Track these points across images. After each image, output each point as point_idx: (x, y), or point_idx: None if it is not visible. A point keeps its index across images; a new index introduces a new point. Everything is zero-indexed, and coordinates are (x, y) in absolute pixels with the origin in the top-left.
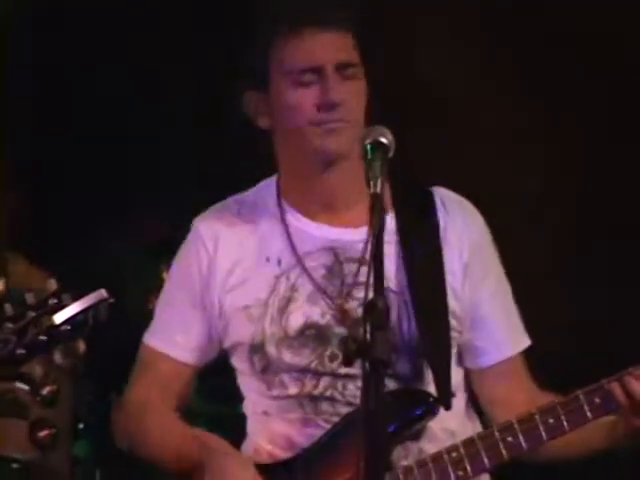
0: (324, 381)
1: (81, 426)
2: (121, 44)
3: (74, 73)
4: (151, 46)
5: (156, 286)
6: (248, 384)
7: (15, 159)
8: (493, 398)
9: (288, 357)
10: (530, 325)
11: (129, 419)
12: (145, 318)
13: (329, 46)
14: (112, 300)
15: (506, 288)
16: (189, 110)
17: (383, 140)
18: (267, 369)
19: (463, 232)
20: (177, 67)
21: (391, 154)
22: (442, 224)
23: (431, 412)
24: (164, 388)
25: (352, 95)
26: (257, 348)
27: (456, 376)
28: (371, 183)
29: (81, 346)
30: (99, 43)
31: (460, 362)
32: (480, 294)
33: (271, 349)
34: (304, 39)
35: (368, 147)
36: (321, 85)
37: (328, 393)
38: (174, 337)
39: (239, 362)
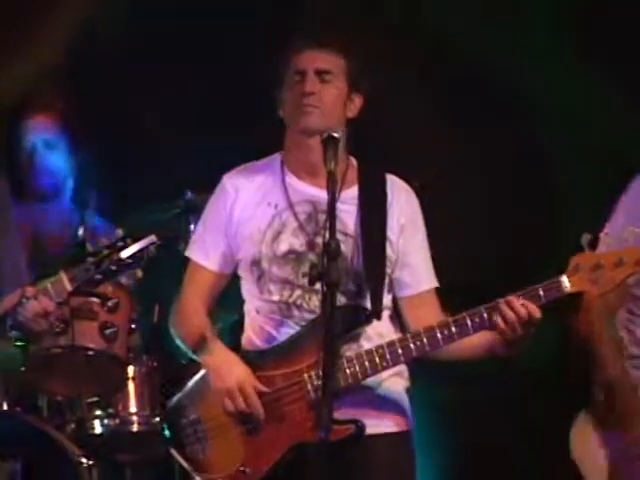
0: (297, 292)
1: (133, 326)
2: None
3: None
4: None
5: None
6: (247, 289)
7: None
8: (414, 321)
9: (275, 270)
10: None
11: (178, 318)
12: (177, 257)
13: (314, 59)
14: (159, 242)
15: (426, 245)
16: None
17: (335, 134)
18: (260, 278)
19: (403, 205)
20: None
21: (341, 144)
22: (389, 198)
23: (367, 320)
24: (202, 294)
25: (324, 91)
26: (255, 262)
27: (386, 299)
28: (327, 163)
29: (139, 273)
30: None
31: (390, 290)
32: (409, 246)
33: (264, 264)
34: (303, 54)
35: (325, 138)
36: (303, 81)
37: (298, 302)
38: (208, 252)
39: (243, 272)
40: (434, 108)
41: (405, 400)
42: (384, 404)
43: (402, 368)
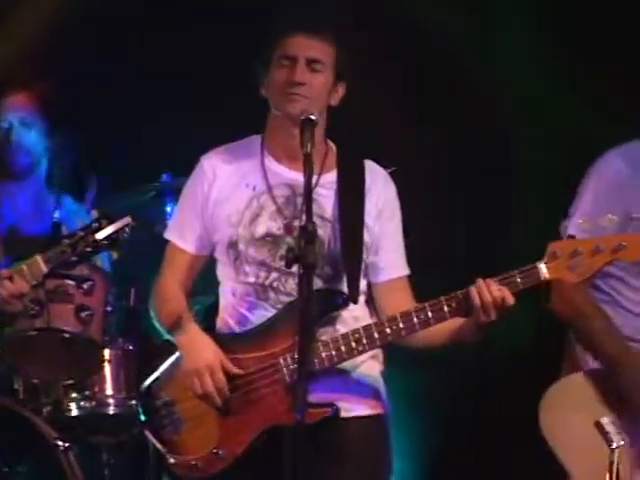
0: (273, 275)
1: (109, 309)
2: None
3: None
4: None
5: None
6: (224, 271)
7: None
8: (388, 306)
9: (252, 252)
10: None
11: (157, 300)
12: (155, 240)
13: (306, 46)
14: (134, 224)
15: (401, 231)
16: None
17: (312, 117)
18: (237, 260)
19: (381, 191)
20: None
21: (320, 129)
22: (368, 183)
23: (344, 304)
24: (180, 276)
25: (313, 80)
26: (232, 244)
27: (362, 284)
28: (304, 146)
29: (114, 254)
30: None
31: (365, 276)
32: (385, 232)
33: (241, 246)
34: (294, 39)
35: (303, 121)
36: (292, 68)
37: (275, 284)
38: (185, 234)
39: (220, 254)
40: (405, 99)
41: (381, 383)
42: (359, 387)
43: (377, 352)
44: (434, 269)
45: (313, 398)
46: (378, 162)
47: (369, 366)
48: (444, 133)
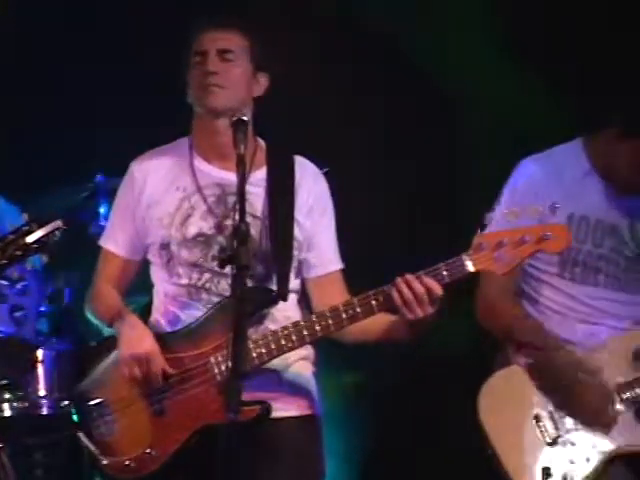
0: (206, 275)
1: (43, 309)
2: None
3: None
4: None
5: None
6: (157, 273)
7: None
8: (321, 301)
9: (184, 254)
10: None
11: (92, 301)
12: (87, 240)
13: (214, 39)
14: (65, 227)
15: (334, 226)
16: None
17: (244, 118)
18: (169, 262)
19: (312, 186)
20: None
21: (250, 127)
22: (298, 180)
23: (273, 302)
24: (114, 279)
25: (227, 70)
26: (164, 246)
27: (294, 282)
28: (237, 146)
29: (44, 257)
30: None
31: (298, 274)
32: (317, 227)
33: (174, 248)
34: (203, 35)
35: (235, 121)
36: (204, 62)
37: (207, 285)
38: (117, 239)
39: (153, 257)
40: (345, 96)
41: (312, 384)
42: (291, 388)
43: (309, 352)
44: (370, 267)
45: (244, 397)
46: (313, 161)
47: (301, 367)
48: (380, 133)
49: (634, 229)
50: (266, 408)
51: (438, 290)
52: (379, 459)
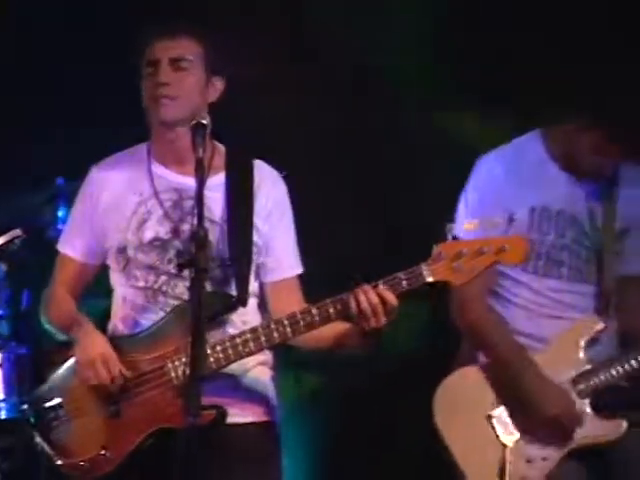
0: (162, 278)
1: (1, 312)
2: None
3: None
4: None
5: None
6: (115, 277)
7: None
8: (278, 306)
9: (141, 257)
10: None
11: (47, 305)
12: (46, 244)
13: (166, 48)
14: (24, 236)
15: (293, 230)
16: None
17: (203, 121)
18: (126, 266)
19: (270, 190)
20: None
21: (208, 131)
22: (256, 184)
23: (232, 307)
24: (70, 284)
25: (180, 79)
26: (121, 250)
27: (253, 286)
28: (196, 150)
29: (3, 266)
30: None
31: (257, 277)
32: (275, 232)
33: (130, 252)
34: (155, 44)
35: (194, 125)
36: (156, 72)
37: (164, 288)
38: (74, 243)
39: (111, 261)
40: (299, 99)
41: (271, 389)
42: (248, 393)
43: (268, 357)
44: (326, 271)
45: (201, 401)
46: (272, 165)
47: (259, 372)
48: (340, 134)
49: (593, 219)
50: (222, 413)
51: (394, 302)
52: (337, 462)
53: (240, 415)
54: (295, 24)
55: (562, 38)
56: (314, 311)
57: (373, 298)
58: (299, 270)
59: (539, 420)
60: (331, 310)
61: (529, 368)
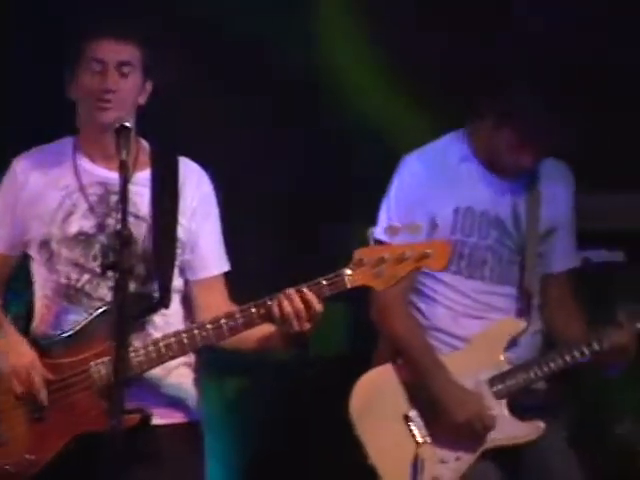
0: (85, 276)
1: None
2: None
3: None
4: None
5: None
6: (37, 270)
7: None
8: (202, 304)
9: (64, 252)
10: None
11: None
12: None
13: (116, 51)
14: None
15: (218, 228)
16: None
17: (127, 124)
18: (49, 260)
19: (196, 187)
20: None
21: (132, 134)
22: (182, 180)
23: (155, 309)
24: None
25: (123, 85)
26: (44, 244)
27: (178, 282)
28: (120, 152)
29: None
30: None
31: (182, 274)
32: (200, 230)
33: (54, 245)
34: (103, 43)
35: (117, 128)
36: (103, 75)
37: (87, 287)
38: None
39: (33, 253)
40: (226, 98)
41: (194, 391)
42: (171, 395)
43: (191, 359)
44: (255, 269)
45: (125, 404)
46: (198, 162)
47: (182, 373)
48: (267, 132)
49: (517, 219)
50: (146, 416)
51: (317, 307)
52: (261, 463)
53: (163, 417)
54: (221, 21)
55: (470, 36)
56: (237, 315)
57: (297, 303)
58: (225, 268)
59: (450, 424)
60: (255, 315)
61: (440, 374)
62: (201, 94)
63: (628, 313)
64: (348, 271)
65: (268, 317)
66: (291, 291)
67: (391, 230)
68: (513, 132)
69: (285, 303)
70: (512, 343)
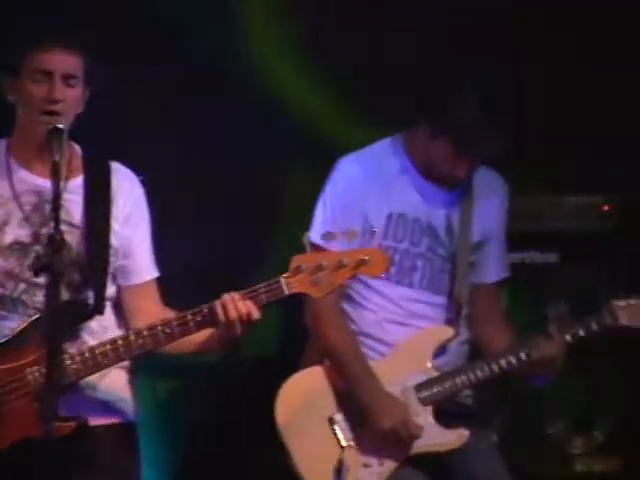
0: (21, 286)
1: None
2: None
3: None
4: None
5: None
6: None
7: None
8: (136, 309)
9: (0, 261)
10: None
11: None
12: None
13: (63, 62)
14: None
15: (149, 234)
16: None
17: (60, 126)
18: None
19: (128, 193)
20: None
21: (65, 136)
22: (114, 187)
23: (89, 315)
24: None
25: (69, 95)
26: None
27: (111, 289)
28: (53, 155)
29: None
30: None
31: (115, 280)
32: (133, 235)
33: None
34: (50, 53)
35: (50, 130)
36: (50, 85)
37: (23, 297)
38: None
39: None
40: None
41: (128, 393)
42: (106, 397)
43: (125, 362)
44: (189, 273)
45: (61, 411)
46: (129, 167)
47: (116, 375)
48: (199, 135)
49: (450, 229)
50: (82, 423)
51: (256, 314)
52: (193, 465)
53: (97, 419)
54: (153, 22)
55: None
56: (174, 324)
57: (241, 308)
58: (156, 273)
59: (376, 431)
60: (191, 323)
61: (369, 382)
62: (133, 95)
63: (558, 323)
64: (285, 279)
65: (204, 324)
66: (236, 296)
67: (328, 236)
68: (448, 143)
69: (230, 306)
70: (440, 351)
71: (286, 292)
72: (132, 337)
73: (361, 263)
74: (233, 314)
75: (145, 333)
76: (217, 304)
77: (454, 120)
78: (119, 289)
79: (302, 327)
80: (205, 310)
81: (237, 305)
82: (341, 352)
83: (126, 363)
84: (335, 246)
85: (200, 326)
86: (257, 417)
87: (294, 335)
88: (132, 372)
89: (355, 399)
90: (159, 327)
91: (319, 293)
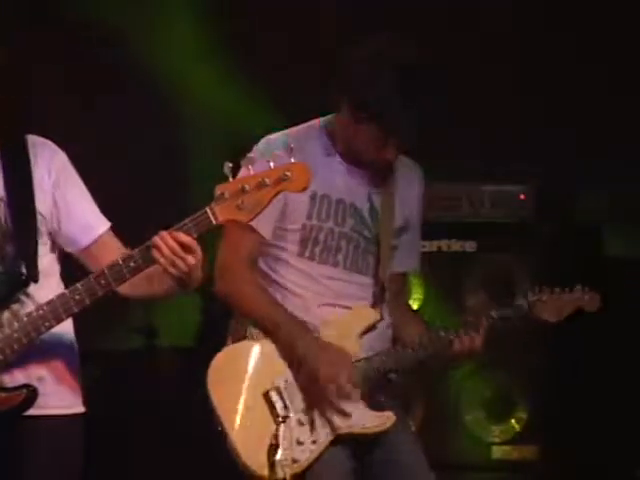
0: None
1: None
2: None
3: None
4: None
5: None
6: None
7: None
8: (99, 266)
9: None
10: None
11: None
12: None
13: None
14: None
15: (87, 192)
16: None
17: None
18: None
19: (50, 162)
20: None
21: None
22: (33, 157)
23: (23, 285)
24: None
25: None
26: None
27: (48, 258)
28: None
29: None
30: None
31: (53, 249)
32: (70, 198)
33: None
34: None
35: None
36: None
37: None
38: None
39: None
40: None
41: (74, 383)
42: (55, 387)
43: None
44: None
45: (8, 383)
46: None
47: (62, 365)
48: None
49: (373, 210)
50: (32, 392)
51: (190, 242)
52: (110, 454)
53: (44, 408)
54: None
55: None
56: (108, 274)
57: (172, 243)
58: (107, 224)
59: (314, 378)
60: (124, 270)
61: (298, 328)
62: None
63: (477, 312)
64: (210, 209)
65: (139, 269)
66: (163, 232)
67: (248, 161)
68: (373, 128)
69: (160, 243)
70: (367, 332)
71: (214, 221)
72: (68, 294)
73: (283, 179)
74: (166, 251)
75: (80, 289)
76: (148, 246)
77: (379, 106)
78: (80, 253)
79: (221, 315)
80: (136, 254)
81: (167, 241)
82: (260, 301)
83: (73, 352)
84: (255, 168)
85: (135, 271)
86: (175, 405)
87: (213, 325)
88: (78, 362)
89: (288, 349)
90: (93, 280)
91: (247, 217)
